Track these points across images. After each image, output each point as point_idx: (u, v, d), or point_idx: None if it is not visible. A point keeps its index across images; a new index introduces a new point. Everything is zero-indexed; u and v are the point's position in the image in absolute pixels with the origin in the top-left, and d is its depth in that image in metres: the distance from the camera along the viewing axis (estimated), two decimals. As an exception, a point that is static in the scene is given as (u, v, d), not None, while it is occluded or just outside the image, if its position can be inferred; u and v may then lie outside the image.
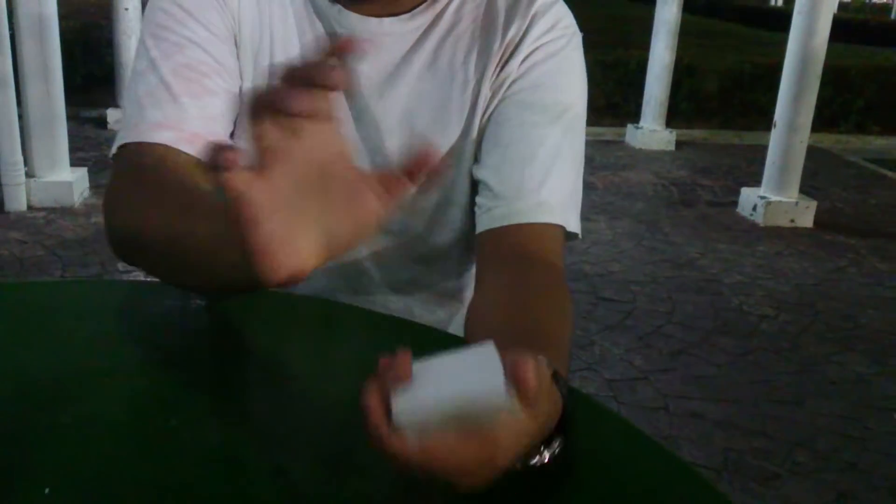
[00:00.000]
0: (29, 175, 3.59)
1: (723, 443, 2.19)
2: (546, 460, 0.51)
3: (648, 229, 3.95)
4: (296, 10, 0.84)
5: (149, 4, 0.85)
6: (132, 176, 0.77)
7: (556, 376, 0.53)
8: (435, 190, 0.87)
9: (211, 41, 0.81)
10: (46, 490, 0.51)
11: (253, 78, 0.84)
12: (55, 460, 0.55)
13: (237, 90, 0.84)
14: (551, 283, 0.76)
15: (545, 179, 0.80)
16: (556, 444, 0.51)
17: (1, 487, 0.52)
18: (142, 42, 0.83)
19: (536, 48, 0.83)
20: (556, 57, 0.84)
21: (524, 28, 0.84)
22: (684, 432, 2.22)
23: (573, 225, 0.82)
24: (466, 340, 0.70)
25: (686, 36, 5.70)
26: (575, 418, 0.53)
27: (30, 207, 3.58)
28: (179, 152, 0.77)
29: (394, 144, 0.85)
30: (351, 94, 0.84)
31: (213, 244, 0.55)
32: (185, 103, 0.79)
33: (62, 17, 3.65)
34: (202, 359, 0.75)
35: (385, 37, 0.83)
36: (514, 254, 0.79)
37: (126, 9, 4.78)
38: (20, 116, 3.52)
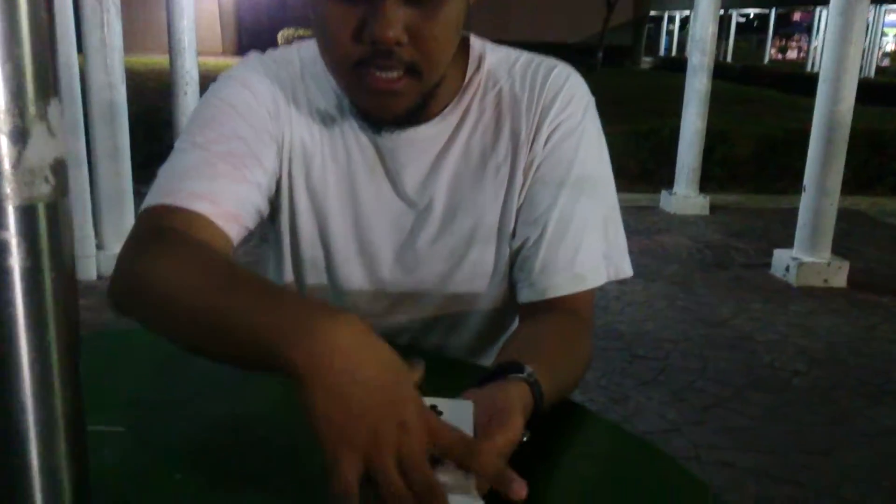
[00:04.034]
0: (99, 247, 3.87)
1: (753, 490, 2.27)
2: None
3: (682, 290, 4.06)
4: (342, 128, 0.94)
5: (201, 100, 0.92)
6: (161, 234, 0.79)
7: (534, 383, 0.71)
8: (478, 263, 0.96)
9: (255, 139, 0.89)
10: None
11: (306, 189, 0.94)
12: None
13: (271, 192, 0.93)
14: (570, 325, 0.90)
15: (577, 252, 0.91)
16: (524, 435, 0.67)
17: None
18: (186, 130, 0.89)
19: (556, 127, 0.93)
20: (576, 132, 0.93)
21: (542, 110, 0.93)
22: (716, 480, 2.31)
23: (612, 274, 0.94)
24: None
25: (720, 103, 5.84)
26: (543, 415, 0.71)
27: (99, 277, 3.85)
28: (213, 224, 0.82)
29: (438, 230, 0.95)
30: (398, 192, 0.94)
31: (244, 324, 0.61)
32: (224, 184, 0.85)
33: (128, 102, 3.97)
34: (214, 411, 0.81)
35: (422, 141, 0.93)
36: (547, 309, 0.92)
37: (185, 93, 5.14)
38: (92, 193, 3.81)
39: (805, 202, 4.17)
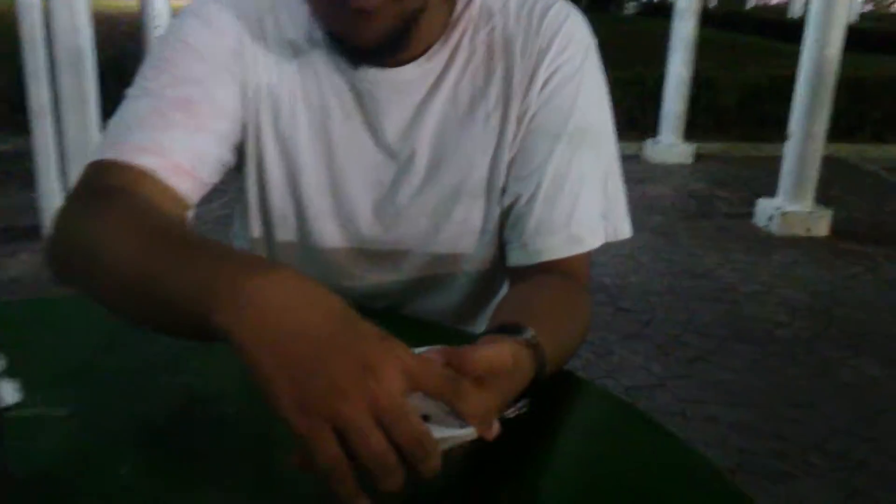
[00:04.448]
0: (67, 200, 3.75)
1: (738, 444, 2.26)
2: (509, 416, 0.60)
3: (667, 241, 4.02)
4: (316, 67, 0.85)
5: (158, 39, 0.84)
6: (102, 194, 0.73)
7: (536, 345, 0.64)
8: (465, 221, 0.89)
9: (215, 82, 0.81)
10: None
11: (274, 135, 0.86)
12: None
13: (235, 138, 0.84)
14: (565, 287, 0.83)
15: (573, 211, 0.84)
16: (520, 405, 0.61)
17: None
18: (140, 74, 0.82)
19: (554, 72, 0.84)
20: (574, 79, 0.85)
21: (539, 52, 0.84)
22: (701, 435, 2.30)
23: (611, 234, 0.87)
24: None
25: (705, 50, 5.77)
26: (544, 383, 0.65)
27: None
28: (158, 181, 0.75)
29: (422, 183, 0.87)
30: (377, 141, 0.87)
31: (173, 288, 0.55)
32: (175, 135, 0.77)
33: (98, 48, 3.81)
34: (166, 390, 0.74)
35: (405, 83, 0.84)
36: (540, 272, 0.85)
37: (156, 35, 4.95)
38: (58, 144, 3.67)
39: (790, 149, 4.12)
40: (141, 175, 0.75)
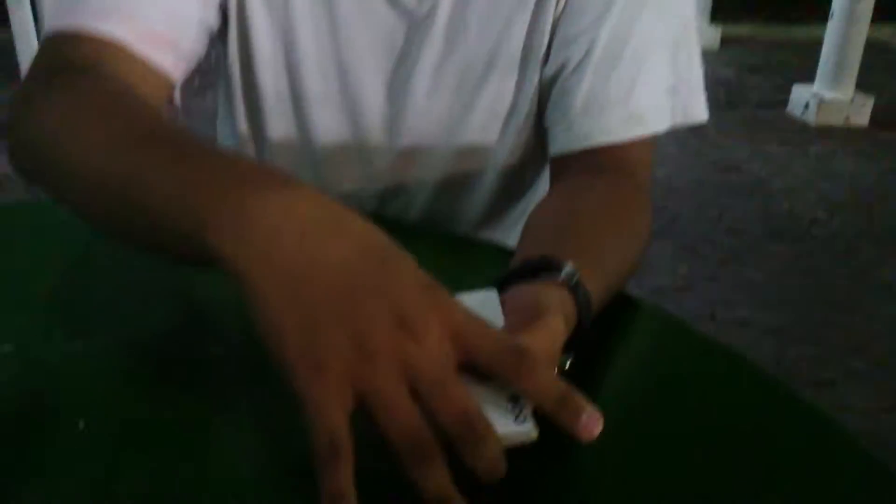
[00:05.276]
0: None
1: (772, 350, 2.12)
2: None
3: (693, 133, 3.77)
4: None
5: None
6: (62, 73, 0.59)
7: (575, 286, 0.47)
8: (495, 103, 0.74)
9: None
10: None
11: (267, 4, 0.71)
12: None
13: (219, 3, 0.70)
14: (619, 189, 0.66)
15: (634, 84, 0.68)
16: (565, 361, 0.46)
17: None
18: None
19: None
20: None
21: None
22: (732, 341, 2.14)
23: (679, 116, 0.70)
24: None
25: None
26: (589, 332, 0.49)
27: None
28: (128, 52, 0.61)
29: (442, 52, 0.72)
30: (384, 3, 0.71)
31: (172, 201, 0.42)
32: None
33: None
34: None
35: None
36: (591, 166, 0.69)
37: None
38: (37, 31, 3.44)
39: (831, 31, 3.82)
40: (106, 46, 0.60)
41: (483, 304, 0.43)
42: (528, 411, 0.38)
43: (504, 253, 0.61)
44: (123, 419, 0.47)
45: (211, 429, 0.47)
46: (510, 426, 0.38)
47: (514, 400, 0.39)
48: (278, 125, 0.76)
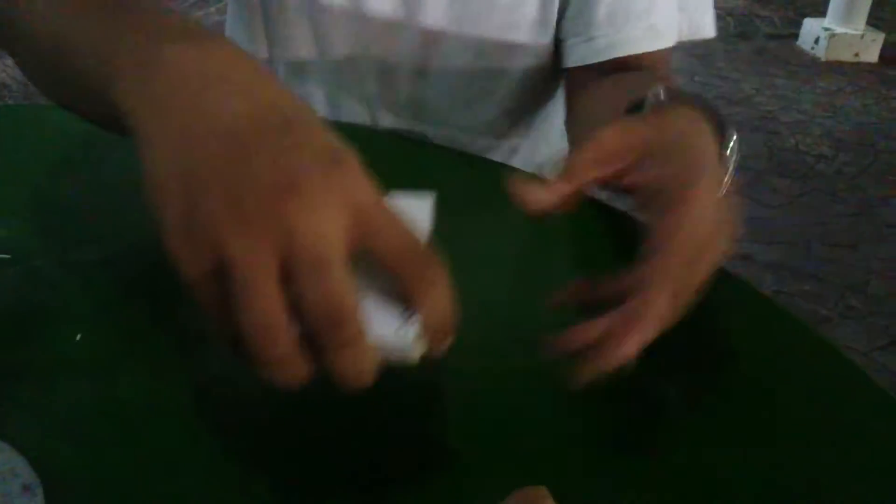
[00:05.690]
0: None
1: (772, 285, 2.14)
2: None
3: (701, 64, 3.73)
4: None
5: None
6: None
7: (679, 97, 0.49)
8: (516, 6, 0.72)
9: None
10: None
11: None
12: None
13: None
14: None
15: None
16: (731, 142, 0.48)
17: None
18: None
19: None
20: None
21: None
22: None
23: (686, 31, 0.71)
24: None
25: None
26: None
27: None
28: None
29: None
30: None
31: (91, 57, 0.39)
32: None
33: None
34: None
35: None
36: (607, 77, 0.69)
37: None
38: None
39: (846, -37, 3.73)
40: None
41: (413, 206, 0.37)
42: (416, 328, 0.33)
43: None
44: (121, 331, 0.46)
45: (211, 341, 0.46)
46: (388, 339, 0.33)
47: (409, 313, 0.33)
48: (294, 32, 0.75)
